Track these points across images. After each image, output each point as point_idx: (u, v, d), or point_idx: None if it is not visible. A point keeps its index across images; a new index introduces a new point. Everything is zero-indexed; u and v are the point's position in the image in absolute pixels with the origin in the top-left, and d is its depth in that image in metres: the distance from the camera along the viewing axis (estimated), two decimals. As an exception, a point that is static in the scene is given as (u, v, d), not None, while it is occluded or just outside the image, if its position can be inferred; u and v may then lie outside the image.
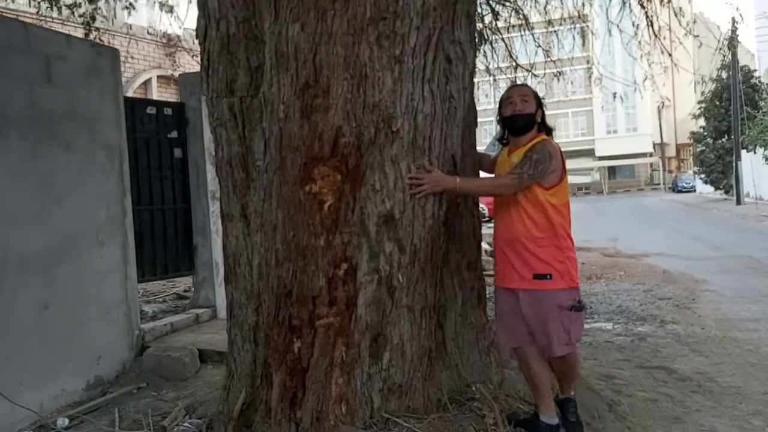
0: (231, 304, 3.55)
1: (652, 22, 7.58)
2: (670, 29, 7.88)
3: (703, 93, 33.66)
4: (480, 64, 9.21)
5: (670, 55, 7.71)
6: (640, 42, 8.14)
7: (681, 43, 7.66)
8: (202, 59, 3.41)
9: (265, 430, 3.12)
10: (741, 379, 4.54)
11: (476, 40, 3.58)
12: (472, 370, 3.48)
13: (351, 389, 3.02)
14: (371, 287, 3.01)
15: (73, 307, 4.89)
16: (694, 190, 44.57)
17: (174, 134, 6.62)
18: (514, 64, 8.81)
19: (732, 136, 29.96)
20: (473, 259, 3.50)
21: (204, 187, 6.73)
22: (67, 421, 4.44)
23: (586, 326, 6.59)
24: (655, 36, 7.51)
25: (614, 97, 10.44)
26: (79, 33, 8.39)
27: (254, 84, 3.19)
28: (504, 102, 3.25)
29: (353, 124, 2.87)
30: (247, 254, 3.36)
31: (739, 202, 26.80)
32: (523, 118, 3.19)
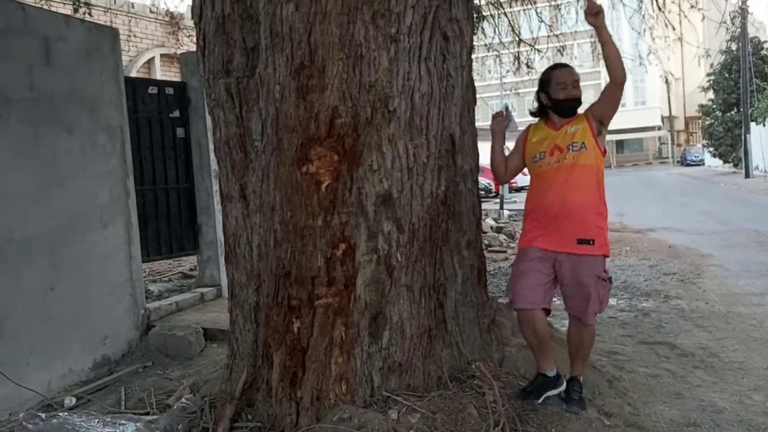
0: (232, 284, 3.56)
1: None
2: (675, 2, 7.77)
3: (711, 65, 33.28)
4: (482, 40, 9.11)
5: (674, 28, 7.60)
6: (644, 16, 8.03)
7: (686, 16, 7.55)
8: (198, 39, 3.39)
9: (266, 409, 3.15)
10: (743, 354, 4.55)
11: (474, 17, 3.53)
12: (473, 348, 3.49)
13: (351, 368, 3.04)
14: (370, 267, 3.02)
15: (79, 287, 4.93)
16: (703, 164, 44.25)
17: (176, 114, 6.61)
18: (517, 39, 8.71)
19: (741, 109, 29.66)
20: (473, 237, 3.50)
21: (207, 167, 6.73)
22: (74, 400, 4.49)
23: (589, 302, 6.62)
24: (659, 9, 7.40)
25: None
26: (80, 13, 8.35)
27: (250, 64, 3.16)
28: (554, 83, 3.34)
29: (349, 104, 2.86)
30: (246, 235, 3.36)
31: (747, 175, 26.60)
32: (578, 102, 3.37)
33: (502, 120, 3.52)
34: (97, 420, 2.90)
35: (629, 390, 3.78)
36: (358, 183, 2.95)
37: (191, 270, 8.34)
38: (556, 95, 3.32)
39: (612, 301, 6.53)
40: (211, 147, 6.70)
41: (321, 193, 2.90)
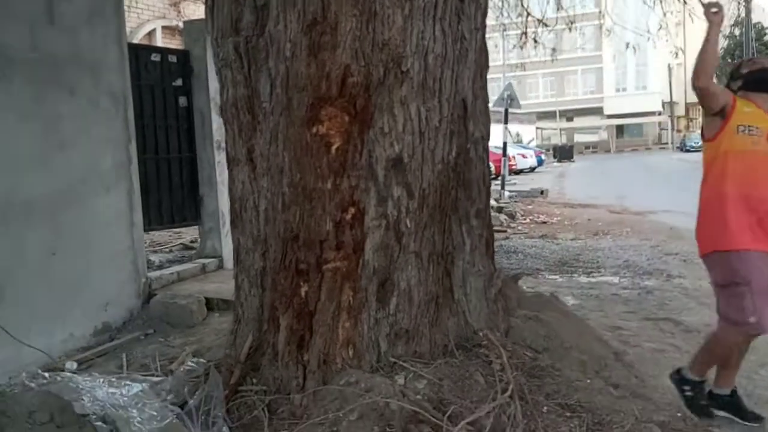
0: (237, 250, 3.52)
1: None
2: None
3: (715, 50, 33.08)
4: (490, 15, 9.00)
5: (684, 2, 7.52)
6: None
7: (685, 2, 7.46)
8: (206, -3, 3.31)
9: (272, 373, 3.13)
10: (748, 332, 4.53)
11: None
12: (479, 318, 3.46)
13: (358, 333, 3.01)
14: (379, 232, 2.97)
15: (80, 253, 4.90)
16: (703, 150, 44.04)
17: (179, 82, 6.53)
18: (525, 14, 8.62)
19: (744, 94, 29.50)
20: (482, 206, 3.45)
21: (209, 137, 6.67)
22: (75, 365, 4.47)
23: (592, 280, 6.62)
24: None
25: (626, 47, 10.25)
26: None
27: (260, 23, 3.09)
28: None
29: (362, 63, 2.79)
30: (253, 199, 3.31)
31: (748, 161, 26.52)
32: None
33: (719, 10, 3.19)
34: (101, 380, 2.87)
35: (635, 363, 3.77)
36: (369, 146, 2.90)
37: (192, 242, 8.30)
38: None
39: (615, 279, 6.54)
40: (214, 117, 6.68)
41: (331, 155, 2.85)
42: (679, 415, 3.10)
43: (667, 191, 17.19)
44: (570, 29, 8.77)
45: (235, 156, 3.38)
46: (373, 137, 2.90)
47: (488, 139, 3.45)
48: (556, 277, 6.73)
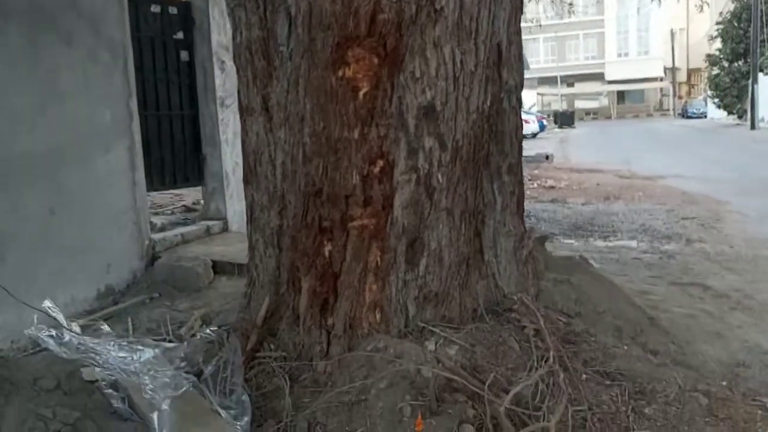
0: (252, 207, 3.29)
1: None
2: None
3: (721, 14, 32.51)
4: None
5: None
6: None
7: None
8: (218, -70, 3.02)
9: (292, 338, 2.93)
10: (780, 298, 4.35)
11: None
12: (509, 281, 3.25)
13: (385, 296, 2.80)
14: (409, 187, 2.74)
15: (80, 212, 4.68)
16: (705, 116, 43.73)
17: (180, 35, 6.22)
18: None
19: (749, 59, 29.06)
20: (514, 161, 3.22)
21: (212, 93, 6.38)
22: (79, 328, 4.27)
23: (610, 244, 6.42)
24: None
25: (637, 12, 9.91)
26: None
27: (278, -43, 2.82)
28: None
29: None
30: (269, 151, 3.08)
31: (753, 126, 26.22)
32: None
33: None
34: (111, 343, 2.66)
35: (670, 329, 3.58)
36: (399, 92, 2.65)
37: (194, 203, 8.07)
38: None
39: (633, 243, 6.34)
40: (217, 72, 6.40)
41: (358, 102, 2.59)
42: (724, 384, 2.91)
43: (673, 157, 16.94)
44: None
45: (249, 105, 3.13)
46: (403, 82, 2.65)
47: (522, 89, 3.20)
48: (572, 241, 6.52)
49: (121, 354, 2.64)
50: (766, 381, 3.04)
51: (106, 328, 3.44)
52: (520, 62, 3.13)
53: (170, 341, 3.65)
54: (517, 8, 3.04)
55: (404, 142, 2.70)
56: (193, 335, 3.90)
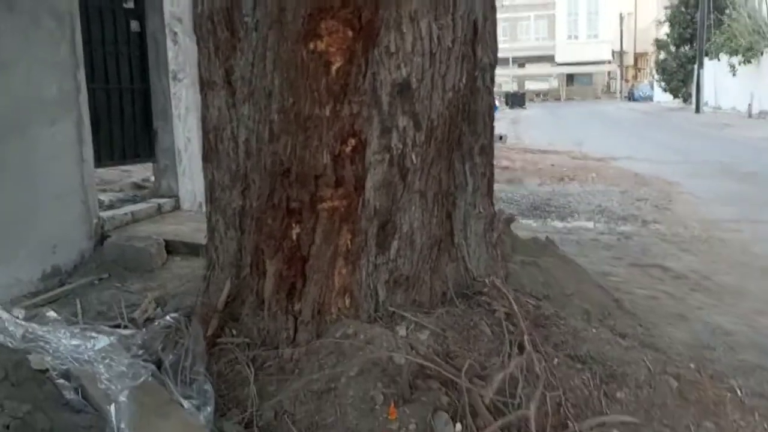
0: (211, 187, 3.13)
1: None
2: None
3: (669, -1, 33.18)
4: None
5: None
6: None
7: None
8: None
9: (256, 323, 2.80)
10: (737, 279, 4.44)
11: None
12: (479, 264, 3.19)
13: (355, 280, 2.70)
14: (381, 168, 2.63)
15: (24, 189, 4.41)
16: (651, 100, 44.75)
17: (130, 5, 5.92)
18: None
19: (695, 44, 29.75)
20: (486, 142, 3.14)
21: (164, 66, 6.11)
22: (23, 312, 4.04)
23: (568, 225, 6.46)
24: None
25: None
26: None
27: None
28: None
29: None
30: (231, 128, 2.92)
31: (698, 110, 26.92)
32: None
33: None
34: (63, 331, 2.49)
35: (635, 311, 3.59)
36: (373, 68, 2.52)
37: (143, 180, 7.78)
38: None
39: (590, 225, 6.39)
40: (169, 44, 6.13)
41: (330, 77, 2.46)
42: (692, 366, 2.92)
43: (623, 138, 17.26)
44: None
45: (210, 79, 2.96)
46: (377, 58, 2.52)
47: (495, 67, 3.11)
48: (530, 221, 6.54)
49: (74, 342, 2.48)
50: (731, 363, 3.07)
51: (52, 314, 3.24)
52: (494, 40, 3.04)
53: (124, 326, 3.49)
54: (492, -18, 2.94)
55: (377, 121, 2.58)
56: (148, 319, 3.73)
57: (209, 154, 3.11)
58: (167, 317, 2.91)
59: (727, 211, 6.89)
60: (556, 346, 2.90)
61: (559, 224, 6.41)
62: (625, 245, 5.42)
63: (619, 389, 2.65)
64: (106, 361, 2.43)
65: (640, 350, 3.00)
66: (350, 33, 2.42)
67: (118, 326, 3.52)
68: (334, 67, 2.45)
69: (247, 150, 2.87)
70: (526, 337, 2.64)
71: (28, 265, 4.47)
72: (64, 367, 2.43)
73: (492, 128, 3.21)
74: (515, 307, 2.83)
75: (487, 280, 3.00)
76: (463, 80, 2.77)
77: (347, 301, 2.70)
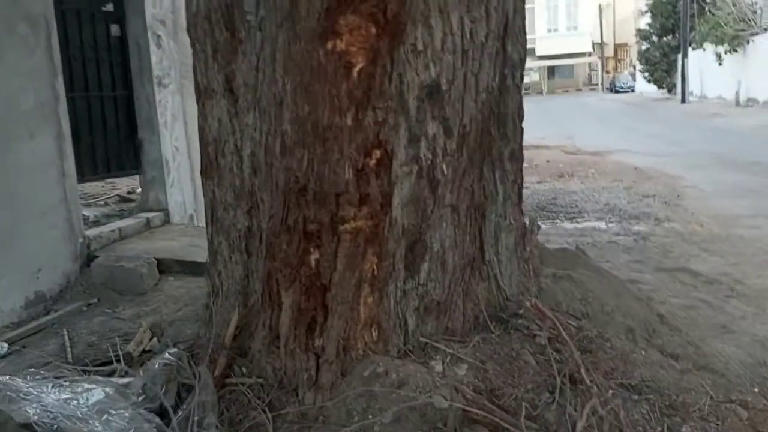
0: (212, 206, 2.81)
1: None
2: None
3: (650, -13, 33.08)
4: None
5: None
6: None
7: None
8: None
9: (271, 362, 2.47)
10: (770, 281, 4.17)
11: None
12: (511, 281, 2.89)
13: (383, 310, 2.38)
14: (409, 181, 2.32)
15: (1, 209, 4.05)
16: (632, 90, 44.73)
17: (109, 7, 5.56)
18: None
19: (678, 34, 29.68)
20: (516, 147, 2.83)
21: (148, 72, 5.74)
22: (6, 346, 3.69)
23: (578, 226, 6.18)
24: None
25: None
26: None
27: None
28: None
29: None
30: (234, 140, 2.60)
31: (684, 100, 26.82)
32: None
33: None
34: (50, 385, 2.15)
35: (677, 325, 3.30)
36: (399, 68, 2.21)
37: (129, 192, 7.40)
38: None
39: (602, 225, 6.12)
40: (152, 48, 5.76)
41: (352, 80, 2.13)
42: (756, 390, 2.64)
43: (614, 131, 17.05)
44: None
45: (208, 86, 2.63)
46: (403, 57, 2.20)
47: (525, 63, 2.80)
48: (539, 223, 6.22)
49: (64, 396, 2.14)
50: (794, 384, 2.79)
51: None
52: (523, 34, 2.72)
53: (117, 360, 3.15)
54: (522, -31, 2.63)
55: (404, 129, 2.26)
56: (144, 351, 3.41)
57: (209, 170, 2.78)
58: (167, 354, 2.57)
59: (739, 205, 6.64)
60: (606, 373, 2.59)
61: (569, 225, 6.13)
62: (644, 247, 5.14)
63: (683, 422, 2.36)
64: (104, 417, 2.09)
65: (696, 374, 2.71)
66: (374, 29, 2.09)
67: (110, 362, 3.20)
68: (355, 69, 2.12)
69: (253, 165, 2.55)
70: (571, 365, 2.33)
71: (9, 292, 4.11)
72: (55, 426, 2.09)
73: (522, 130, 2.90)
74: (562, 331, 2.52)
75: (526, 302, 2.68)
76: (496, 79, 2.46)
77: (374, 334, 2.37)
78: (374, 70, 2.14)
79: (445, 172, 2.36)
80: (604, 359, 2.69)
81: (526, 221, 3.13)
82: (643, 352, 2.80)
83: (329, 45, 2.10)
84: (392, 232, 2.33)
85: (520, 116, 2.84)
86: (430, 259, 2.44)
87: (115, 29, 5.60)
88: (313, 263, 2.31)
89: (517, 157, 2.86)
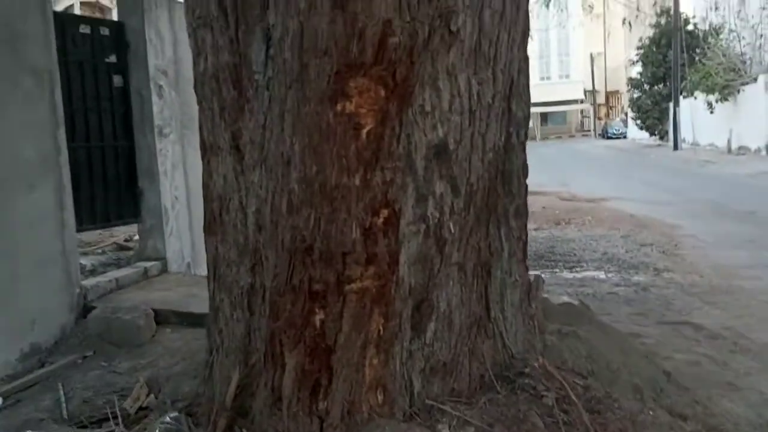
0: (215, 262, 2.79)
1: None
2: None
3: (640, 39, 33.75)
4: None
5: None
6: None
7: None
8: (176, -65, 2.53)
9: (273, 424, 2.41)
10: (774, 335, 4.13)
11: None
12: (516, 339, 2.85)
13: (389, 372, 2.34)
14: (417, 240, 2.31)
15: (0, 261, 4.01)
16: (624, 137, 45.31)
17: (112, 59, 5.61)
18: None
19: (668, 83, 30.20)
20: (521, 203, 2.83)
21: (149, 122, 5.77)
22: (0, 400, 3.61)
23: (578, 275, 6.16)
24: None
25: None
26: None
27: (253, -33, 2.36)
28: None
29: (407, 18, 2.09)
30: (239, 197, 2.59)
31: (676, 147, 27.13)
32: None
33: None
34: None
35: (683, 382, 3.26)
36: (407, 129, 2.22)
37: (126, 240, 7.36)
38: None
39: (601, 275, 6.10)
40: (154, 99, 5.81)
41: (361, 142, 2.14)
42: (768, 453, 2.60)
43: (607, 177, 17.19)
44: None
45: (214, 143, 2.64)
46: (411, 118, 2.22)
47: (529, 120, 2.83)
48: (538, 272, 6.21)
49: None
50: None
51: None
52: (528, 92, 2.75)
53: (114, 417, 3.09)
54: (527, 30, 2.67)
55: (412, 188, 2.26)
56: (141, 408, 3.34)
57: (212, 226, 2.77)
58: (167, 418, 2.51)
59: (738, 256, 6.64)
60: (615, 435, 2.56)
61: (568, 275, 6.11)
62: (645, 299, 5.11)
63: (696, 487, 2.30)
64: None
65: (706, 435, 2.68)
66: (383, 92, 2.11)
67: (107, 419, 3.13)
68: (364, 131, 2.13)
69: (257, 222, 2.53)
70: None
71: (4, 344, 4.05)
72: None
73: (526, 187, 2.91)
74: (570, 392, 2.49)
75: (534, 363, 2.65)
76: (502, 138, 2.48)
77: (380, 397, 2.33)
78: (383, 131, 2.15)
79: (452, 231, 2.36)
80: (613, 420, 2.65)
81: (531, 277, 3.13)
82: (651, 413, 2.75)
83: (339, 107, 2.12)
84: (399, 292, 2.31)
85: (525, 173, 2.86)
86: (436, 318, 2.42)
87: (117, 80, 5.65)
88: (318, 324, 2.28)
89: (521, 213, 2.86)
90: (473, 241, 2.45)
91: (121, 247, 7.10)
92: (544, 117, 62.58)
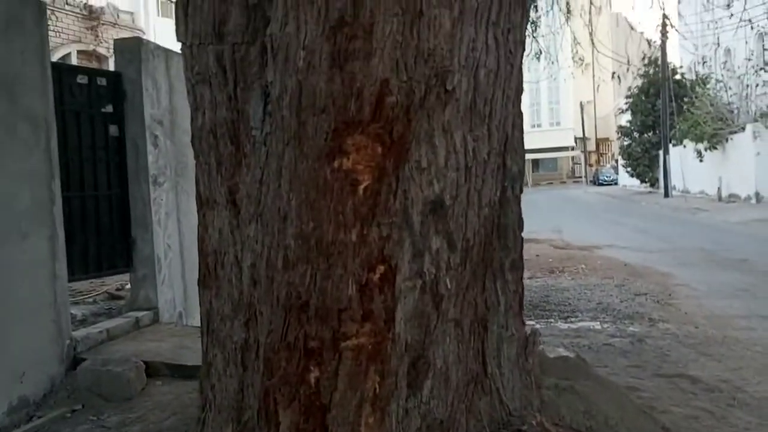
0: (209, 316, 2.76)
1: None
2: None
3: (629, 89, 34.37)
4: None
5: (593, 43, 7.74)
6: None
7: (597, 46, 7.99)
8: (178, -7, 2.58)
9: (266, 485, 2.36)
10: (769, 388, 4.11)
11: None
12: (513, 394, 2.82)
13: (385, 431, 2.30)
14: (413, 296, 2.30)
15: (-11, 312, 3.97)
16: (615, 183, 45.72)
17: (109, 108, 5.65)
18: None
19: (658, 131, 30.65)
20: (517, 257, 2.83)
21: (144, 171, 5.79)
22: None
23: (573, 326, 6.13)
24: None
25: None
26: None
27: (252, 26, 2.40)
28: None
29: (403, 78, 2.12)
30: (235, 252, 2.59)
31: (667, 194, 27.38)
32: None
33: None
34: None
35: (684, 438, 3.22)
36: (404, 185, 2.23)
37: (118, 290, 7.29)
38: None
39: (596, 325, 6.07)
40: (149, 149, 5.84)
41: (357, 198, 2.15)
42: None
43: (599, 224, 17.27)
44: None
45: (211, 197, 2.64)
46: (408, 174, 2.23)
47: (524, 174, 2.85)
48: (533, 323, 6.18)
49: None
50: None
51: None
52: (522, 146, 2.78)
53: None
54: (521, 87, 2.71)
55: (408, 243, 2.26)
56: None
57: (207, 280, 2.76)
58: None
59: (732, 306, 6.65)
60: (615, 494, 2.51)
61: (563, 326, 6.08)
62: (640, 350, 5.08)
63: None
64: None
65: (707, 495, 2.63)
66: (380, 149, 2.13)
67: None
68: (361, 187, 2.14)
69: (253, 276, 2.52)
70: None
71: (-9, 398, 3.97)
72: None
73: (522, 240, 2.91)
74: (570, 452, 2.45)
75: (532, 420, 2.61)
76: (497, 193, 2.50)
77: (376, 456, 2.28)
78: (380, 187, 2.16)
79: (449, 286, 2.35)
80: (613, 479, 2.61)
81: (527, 330, 3.10)
82: (651, 471, 2.72)
83: (336, 163, 2.13)
84: (395, 349, 2.28)
85: (520, 226, 2.87)
86: (433, 375, 2.39)
87: (113, 129, 5.68)
88: (313, 381, 2.25)
89: (517, 266, 2.86)
90: (470, 296, 2.45)
91: (112, 296, 7.03)
92: (536, 163, 63.17)
